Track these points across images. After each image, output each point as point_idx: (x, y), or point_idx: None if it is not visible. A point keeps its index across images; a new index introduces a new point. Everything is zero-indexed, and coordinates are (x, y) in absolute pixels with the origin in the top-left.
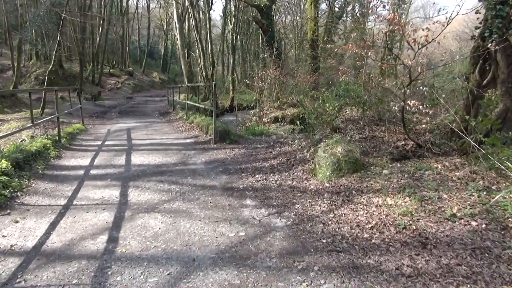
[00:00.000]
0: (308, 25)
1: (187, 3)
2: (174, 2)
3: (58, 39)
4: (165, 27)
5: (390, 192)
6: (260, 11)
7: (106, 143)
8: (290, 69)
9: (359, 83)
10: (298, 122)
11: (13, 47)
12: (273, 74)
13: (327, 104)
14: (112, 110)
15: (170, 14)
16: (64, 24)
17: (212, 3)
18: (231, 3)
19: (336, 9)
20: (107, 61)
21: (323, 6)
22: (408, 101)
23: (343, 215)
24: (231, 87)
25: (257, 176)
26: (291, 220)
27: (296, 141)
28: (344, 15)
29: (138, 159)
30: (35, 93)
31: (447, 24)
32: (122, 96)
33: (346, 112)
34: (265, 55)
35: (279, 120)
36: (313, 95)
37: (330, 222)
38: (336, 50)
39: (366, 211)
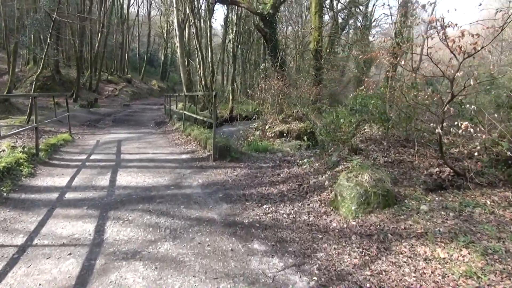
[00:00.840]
0: (312, 35)
1: (188, 11)
2: (175, 9)
3: (48, 41)
4: (165, 35)
5: (438, 239)
6: (263, 19)
7: (92, 157)
8: (293, 80)
9: (378, 96)
10: (305, 138)
11: (10, 51)
12: (277, 84)
13: (342, 120)
14: (106, 118)
15: (170, 22)
16: (62, 29)
17: (213, 11)
18: (233, 11)
19: (340, 19)
20: (106, 68)
21: (326, 17)
22: (457, 122)
23: (383, 272)
24: (230, 97)
25: (264, 206)
26: (315, 278)
27: (305, 160)
28: (347, 27)
29: (125, 179)
30: (28, 98)
31: (502, 29)
32: (119, 104)
33: (364, 129)
34: (266, 65)
35: (285, 134)
36: (318, 108)
37: (368, 284)
38: (362, 57)
39: (413, 268)
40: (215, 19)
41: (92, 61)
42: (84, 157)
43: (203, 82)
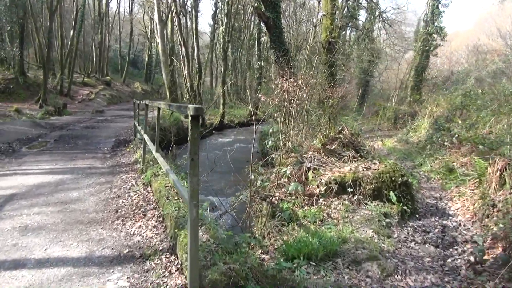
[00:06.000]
0: (323, 24)
1: (170, 0)
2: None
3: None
4: (149, 34)
5: None
6: (265, 1)
7: None
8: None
9: None
10: (392, 195)
11: None
12: (309, 86)
13: None
14: (50, 135)
15: (154, 20)
16: (27, 26)
17: None
18: (223, 1)
19: (348, 6)
20: (84, 70)
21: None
22: None
23: None
24: (221, 101)
25: None
26: None
27: None
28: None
29: None
30: None
31: None
32: (93, 109)
33: None
34: (262, 63)
35: (350, 189)
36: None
37: None
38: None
39: None
40: (202, 14)
41: (63, 62)
42: None
43: (188, 83)
